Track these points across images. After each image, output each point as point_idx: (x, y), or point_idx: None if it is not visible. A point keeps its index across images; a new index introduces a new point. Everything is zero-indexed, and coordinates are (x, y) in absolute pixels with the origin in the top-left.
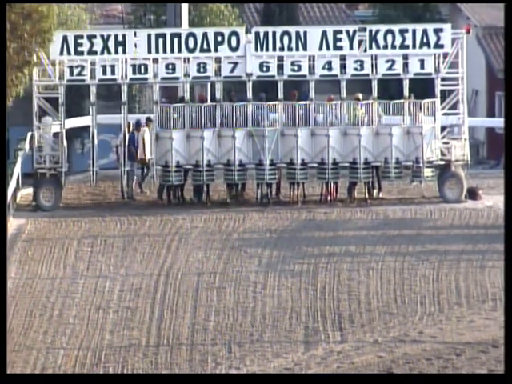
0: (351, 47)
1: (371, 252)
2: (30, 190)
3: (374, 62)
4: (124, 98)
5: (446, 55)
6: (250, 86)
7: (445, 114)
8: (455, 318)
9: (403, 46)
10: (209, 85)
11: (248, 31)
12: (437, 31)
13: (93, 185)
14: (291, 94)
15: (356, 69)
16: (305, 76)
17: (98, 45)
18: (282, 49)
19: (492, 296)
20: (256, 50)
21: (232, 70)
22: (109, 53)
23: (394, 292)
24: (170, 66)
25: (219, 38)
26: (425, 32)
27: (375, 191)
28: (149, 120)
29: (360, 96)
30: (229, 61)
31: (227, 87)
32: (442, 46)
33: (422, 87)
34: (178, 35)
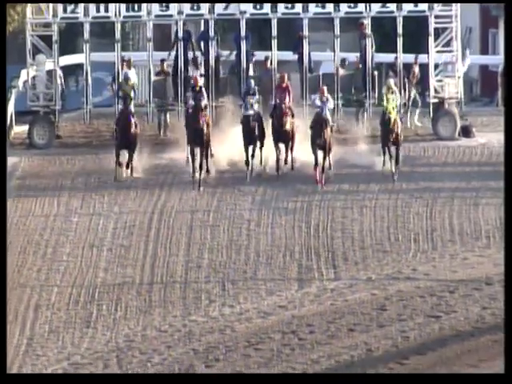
0: None
1: (365, 190)
2: (23, 128)
3: None
4: (117, 35)
5: None
6: (243, 23)
7: (438, 51)
8: (448, 256)
9: None
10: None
11: None
12: None
13: (86, 122)
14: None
15: (350, 6)
16: (298, 14)
17: None
18: None
19: (485, 233)
20: None
21: (225, 8)
22: None
23: (387, 229)
24: (164, 4)
25: None
26: None
27: None
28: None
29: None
30: None
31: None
32: None
33: (416, 25)
34: None
